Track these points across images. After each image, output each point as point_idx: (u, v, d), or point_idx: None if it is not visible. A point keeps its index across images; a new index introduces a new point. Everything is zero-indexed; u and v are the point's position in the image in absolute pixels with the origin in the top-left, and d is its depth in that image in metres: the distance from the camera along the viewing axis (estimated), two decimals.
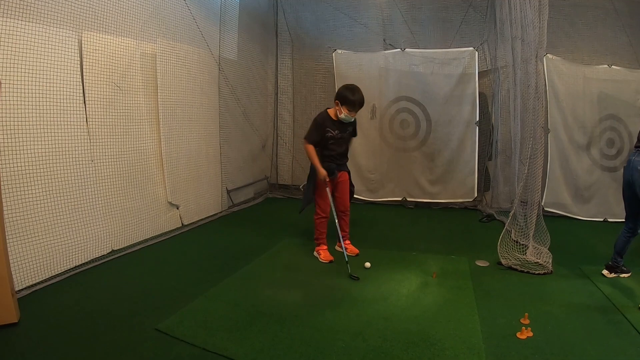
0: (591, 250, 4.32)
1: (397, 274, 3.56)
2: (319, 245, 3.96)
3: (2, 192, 2.76)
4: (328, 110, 3.78)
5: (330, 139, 3.73)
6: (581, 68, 5.54)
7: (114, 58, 3.82)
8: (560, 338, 2.55)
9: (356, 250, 4.01)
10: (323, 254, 3.89)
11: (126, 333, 2.54)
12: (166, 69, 4.43)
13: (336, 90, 3.79)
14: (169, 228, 4.57)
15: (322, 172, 3.70)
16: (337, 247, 4.04)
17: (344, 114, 3.65)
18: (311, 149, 3.73)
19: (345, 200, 3.96)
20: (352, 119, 3.76)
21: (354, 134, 3.96)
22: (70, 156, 3.43)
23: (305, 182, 3.96)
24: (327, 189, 3.75)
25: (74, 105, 3.45)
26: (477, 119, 5.81)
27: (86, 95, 3.55)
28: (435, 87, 5.92)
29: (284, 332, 2.57)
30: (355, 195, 6.34)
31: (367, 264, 3.68)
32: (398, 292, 3.20)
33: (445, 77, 5.87)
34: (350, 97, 3.60)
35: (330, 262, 3.80)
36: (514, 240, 4.02)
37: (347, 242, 4.05)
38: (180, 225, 4.74)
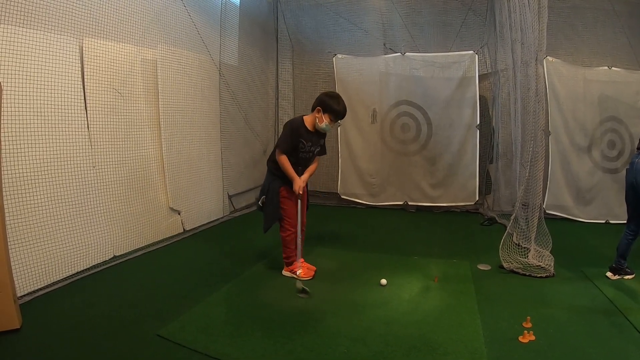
0: (593, 252, 4.31)
1: (399, 278, 3.55)
2: (292, 263, 3.56)
3: (4, 198, 2.77)
4: (304, 117, 3.42)
5: (301, 150, 3.38)
6: (581, 70, 5.54)
7: (115, 64, 3.83)
8: (562, 341, 2.54)
9: (313, 268, 3.63)
10: (304, 270, 3.54)
11: (128, 339, 2.54)
12: (167, 74, 4.45)
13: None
14: (171, 234, 4.57)
15: (299, 182, 3.36)
16: (285, 272, 3.61)
17: (324, 123, 3.32)
18: (285, 159, 3.33)
19: (304, 216, 3.63)
20: (330, 130, 3.48)
21: (323, 151, 3.59)
22: (72, 162, 3.44)
23: (263, 197, 3.49)
24: (299, 202, 3.48)
25: (76, 111, 3.47)
26: (478, 122, 5.81)
27: (87, 101, 3.57)
28: (435, 90, 5.93)
29: (286, 338, 2.57)
30: (356, 200, 6.43)
31: (383, 281, 3.37)
32: (399, 297, 3.19)
33: (446, 80, 5.88)
34: (335, 106, 3.29)
35: (314, 275, 3.55)
36: (516, 244, 4.01)
37: (302, 259, 3.63)
38: (182, 230, 4.74)
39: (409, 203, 6.24)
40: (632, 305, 3.04)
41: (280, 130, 3.53)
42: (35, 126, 3.14)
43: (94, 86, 3.64)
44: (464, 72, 5.79)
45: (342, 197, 6.42)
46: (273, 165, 3.46)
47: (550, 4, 3.73)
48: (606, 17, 5.62)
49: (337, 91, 5.95)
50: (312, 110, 3.40)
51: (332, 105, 3.31)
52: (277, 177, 3.45)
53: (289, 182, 3.42)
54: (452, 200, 6.10)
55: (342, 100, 3.37)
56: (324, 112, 3.33)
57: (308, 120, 3.40)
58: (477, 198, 5.98)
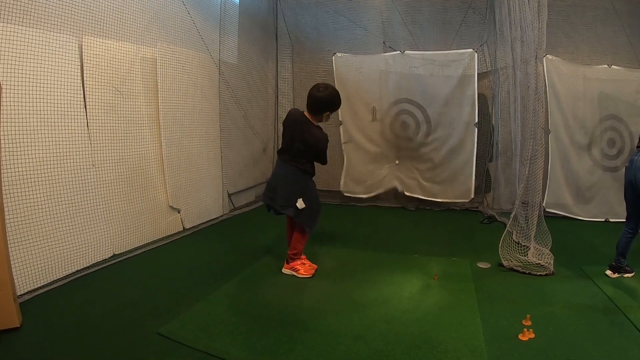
0: (593, 250, 4.31)
1: (399, 276, 3.56)
2: (295, 259, 3.58)
3: (4, 196, 2.76)
4: (312, 121, 3.41)
5: None
6: (581, 68, 5.54)
7: (114, 63, 3.83)
8: (562, 339, 2.55)
9: (314, 267, 3.62)
10: (304, 268, 3.55)
11: (128, 337, 2.54)
12: (166, 73, 4.44)
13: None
14: (171, 232, 4.57)
15: None
16: (285, 270, 3.61)
17: (324, 120, 3.45)
18: None
19: None
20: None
21: None
22: (72, 160, 3.43)
23: (300, 198, 3.42)
24: None
25: (75, 109, 3.46)
26: (477, 120, 5.80)
27: (87, 99, 3.56)
28: (435, 89, 5.91)
29: (286, 336, 2.57)
30: (358, 196, 6.40)
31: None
32: (399, 295, 3.19)
33: (445, 78, 5.86)
34: (338, 101, 3.43)
35: (314, 273, 3.55)
36: (516, 242, 4.01)
37: (304, 256, 3.68)
38: (182, 229, 4.74)
39: (406, 193, 6.23)
40: (632, 303, 3.04)
41: (281, 129, 3.56)
42: (34, 125, 3.13)
43: (94, 85, 3.63)
44: (464, 70, 5.77)
45: (345, 194, 6.40)
46: (307, 163, 3.46)
47: (550, 2, 3.73)
48: (606, 16, 5.61)
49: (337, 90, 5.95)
50: (316, 112, 3.39)
51: (337, 104, 3.46)
52: (310, 175, 3.54)
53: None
54: (449, 198, 6.08)
55: (334, 89, 3.47)
56: (332, 111, 3.45)
57: (315, 121, 3.43)
58: (473, 196, 5.96)
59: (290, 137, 3.45)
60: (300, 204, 3.41)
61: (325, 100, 3.36)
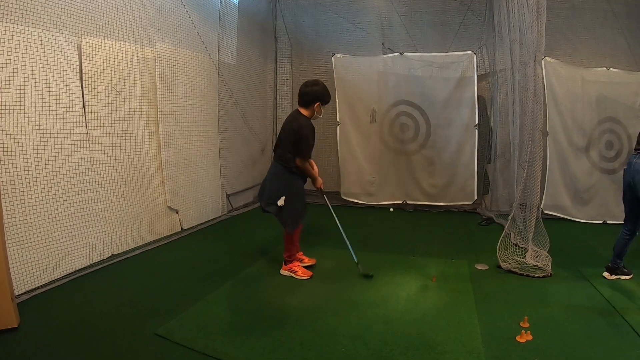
0: (591, 252, 4.32)
1: (397, 277, 3.56)
2: (292, 261, 3.60)
3: (2, 196, 2.76)
4: (303, 114, 3.44)
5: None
6: (579, 71, 5.55)
7: (113, 63, 3.82)
8: (560, 341, 2.55)
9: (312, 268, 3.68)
10: (302, 269, 3.58)
11: (126, 337, 2.54)
12: (165, 73, 4.44)
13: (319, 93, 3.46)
14: (169, 232, 4.56)
15: (320, 180, 3.60)
16: (283, 271, 3.62)
17: (316, 113, 3.48)
18: (307, 163, 3.47)
19: None
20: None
21: None
22: (70, 161, 3.43)
23: (283, 197, 3.39)
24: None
25: (74, 110, 3.46)
26: (476, 122, 5.81)
27: (86, 99, 3.56)
28: (434, 90, 5.93)
29: (284, 336, 2.57)
30: (356, 200, 6.41)
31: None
32: (398, 296, 3.20)
33: (444, 80, 5.88)
34: (328, 95, 3.48)
35: (311, 276, 3.55)
36: (514, 244, 4.02)
37: (301, 252, 3.77)
38: (180, 229, 4.73)
39: (408, 202, 6.24)
40: (629, 304, 3.05)
41: (279, 129, 3.58)
42: (33, 125, 3.13)
43: (92, 84, 3.63)
44: (462, 72, 5.78)
45: (343, 197, 6.39)
46: (293, 160, 3.41)
47: (549, 5, 3.74)
48: (605, 18, 5.64)
49: (336, 91, 5.98)
50: (307, 105, 3.44)
51: (327, 96, 3.48)
52: (296, 175, 3.48)
53: (303, 179, 3.54)
54: (450, 200, 6.11)
55: (323, 83, 3.52)
56: (323, 104, 3.47)
57: (307, 115, 3.45)
58: (475, 197, 5.98)
59: (282, 130, 3.49)
60: (280, 202, 3.39)
61: (313, 91, 3.43)
